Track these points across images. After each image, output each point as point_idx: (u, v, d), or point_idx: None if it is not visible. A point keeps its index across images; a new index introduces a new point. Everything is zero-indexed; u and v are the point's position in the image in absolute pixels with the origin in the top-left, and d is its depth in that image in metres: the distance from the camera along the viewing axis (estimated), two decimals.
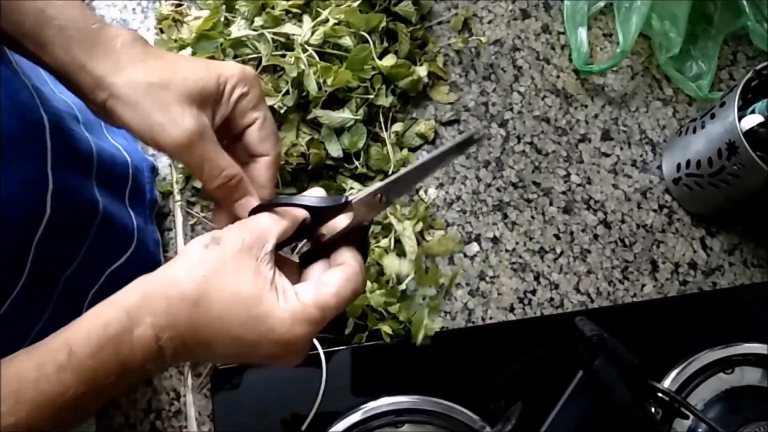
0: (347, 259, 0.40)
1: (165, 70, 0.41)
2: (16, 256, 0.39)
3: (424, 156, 0.45)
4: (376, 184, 0.42)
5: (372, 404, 0.53)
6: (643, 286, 0.63)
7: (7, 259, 0.39)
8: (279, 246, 0.40)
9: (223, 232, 0.39)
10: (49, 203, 0.40)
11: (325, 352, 0.54)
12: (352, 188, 0.58)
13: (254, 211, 0.42)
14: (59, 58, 0.39)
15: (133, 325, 0.34)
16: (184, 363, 0.56)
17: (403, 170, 0.42)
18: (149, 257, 0.57)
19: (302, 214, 0.41)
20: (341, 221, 0.42)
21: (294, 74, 0.57)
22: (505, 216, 0.63)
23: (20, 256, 0.40)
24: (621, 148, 0.67)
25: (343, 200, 0.41)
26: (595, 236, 0.64)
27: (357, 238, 0.42)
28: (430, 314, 0.55)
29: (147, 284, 0.36)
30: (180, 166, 0.60)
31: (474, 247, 0.62)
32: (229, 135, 0.45)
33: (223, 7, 0.60)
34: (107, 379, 0.33)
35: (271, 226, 0.40)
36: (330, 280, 0.39)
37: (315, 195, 0.44)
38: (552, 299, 0.61)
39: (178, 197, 0.60)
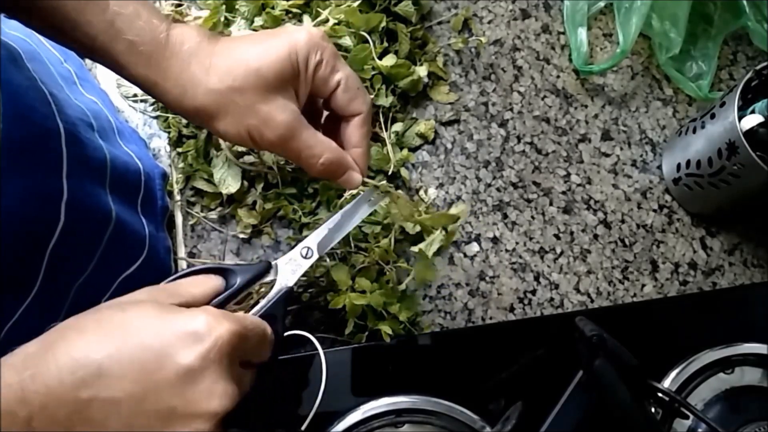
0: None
1: (237, 67, 0.40)
2: (30, 263, 0.39)
3: (343, 209, 0.46)
4: (304, 241, 0.43)
5: (372, 404, 0.53)
6: (643, 286, 0.63)
7: (21, 266, 0.39)
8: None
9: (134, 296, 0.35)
10: (63, 212, 0.40)
11: (325, 352, 0.54)
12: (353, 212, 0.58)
13: (174, 279, 0.41)
14: (134, 74, 0.39)
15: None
16: None
17: (325, 224, 0.44)
18: (160, 264, 0.57)
19: (216, 281, 0.40)
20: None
21: None
22: (505, 216, 0.63)
23: (34, 263, 0.40)
24: (621, 148, 0.67)
25: (266, 263, 0.42)
26: (595, 236, 0.64)
27: (275, 311, 0.41)
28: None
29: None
30: (180, 165, 0.60)
31: (474, 247, 0.62)
32: (317, 105, 0.45)
33: (223, 7, 0.60)
34: None
35: (181, 286, 0.38)
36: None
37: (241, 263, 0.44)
38: (552, 299, 0.61)
39: (178, 197, 0.60)
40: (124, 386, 0.28)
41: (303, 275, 0.47)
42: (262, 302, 0.41)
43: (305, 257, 0.43)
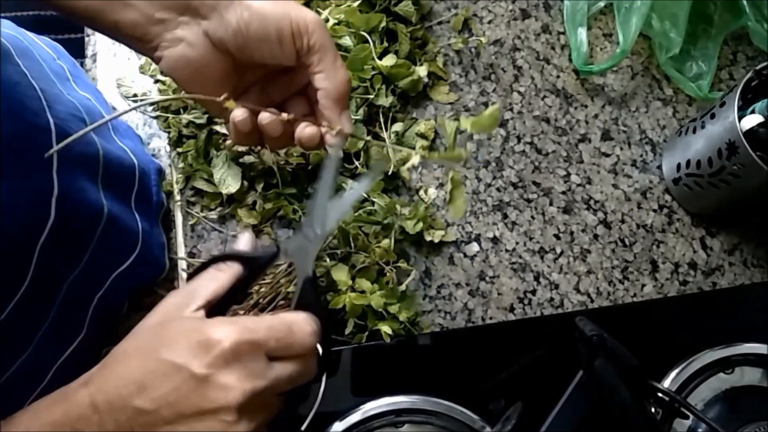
0: (295, 313, 0.41)
1: None
2: (20, 260, 0.39)
3: (321, 181, 0.46)
4: (302, 226, 0.44)
5: (372, 404, 0.53)
6: (643, 286, 0.63)
7: (11, 263, 0.39)
8: (222, 304, 0.41)
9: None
10: (53, 208, 0.40)
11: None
12: (352, 188, 0.58)
13: (196, 272, 0.44)
14: None
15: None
16: None
17: (313, 201, 0.45)
18: (154, 260, 0.56)
19: (237, 269, 0.43)
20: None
21: None
22: (505, 216, 0.63)
23: (23, 260, 0.39)
24: (621, 148, 0.67)
25: (276, 249, 0.44)
26: (595, 236, 0.64)
27: (308, 299, 0.43)
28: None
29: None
30: (180, 165, 0.60)
31: (474, 247, 0.62)
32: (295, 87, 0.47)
33: None
34: None
35: (201, 286, 0.41)
36: (264, 316, 0.41)
37: (247, 241, 0.47)
38: (552, 299, 0.61)
39: (178, 197, 0.60)
40: (160, 396, 0.35)
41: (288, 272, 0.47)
42: (294, 297, 0.43)
43: (311, 240, 0.44)
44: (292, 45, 0.43)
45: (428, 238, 0.60)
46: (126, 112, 0.60)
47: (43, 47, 0.54)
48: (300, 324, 0.39)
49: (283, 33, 0.42)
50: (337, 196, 0.45)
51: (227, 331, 0.36)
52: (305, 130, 0.46)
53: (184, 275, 0.59)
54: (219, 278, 0.42)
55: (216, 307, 0.40)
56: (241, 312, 0.46)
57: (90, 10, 0.41)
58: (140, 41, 0.43)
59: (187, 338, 0.36)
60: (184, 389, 0.35)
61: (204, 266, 0.43)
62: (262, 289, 0.46)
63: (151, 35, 0.42)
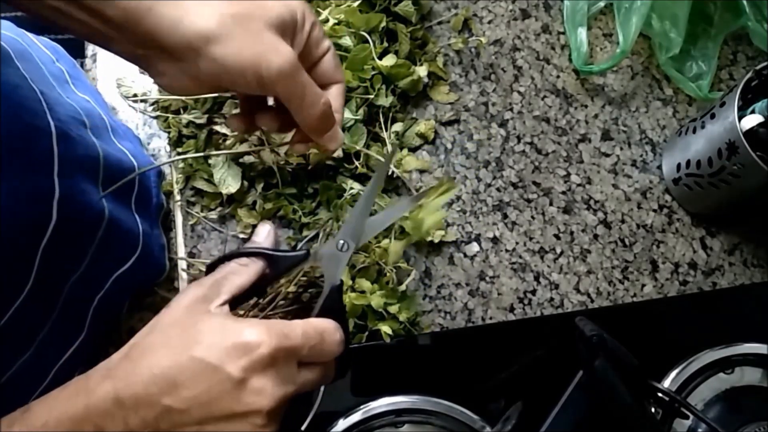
0: (324, 320, 0.41)
1: (246, 2, 0.40)
2: (22, 262, 0.39)
3: (364, 192, 0.46)
4: (338, 235, 0.44)
5: (372, 404, 0.53)
6: (643, 286, 0.63)
7: (13, 265, 0.39)
8: (241, 298, 0.41)
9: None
10: (55, 210, 0.40)
11: None
12: (352, 188, 0.58)
13: (215, 264, 0.43)
14: (122, 6, 0.37)
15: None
16: None
17: (353, 212, 0.45)
18: (154, 262, 0.56)
19: (260, 265, 0.43)
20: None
21: None
22: (505, 216, 0.63)
23: (26, 262, 0.39)
24: (621, 148, 0.67)
25: (306, 252, 0.43)
26: (595, 236, 0.64)
27: (333, 306, 0.43)
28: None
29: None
30: (180, 165, 0.60)
31: (474, 247, 0.62)
32: (305, 67, 0.45)
33: None
34: None
35: (227, 280, 0.41)
36: (296, 321, 0.39)
37: (267, 234, 0.47)
38: (552, 299, 0.61)
39: (178, 197, 0.60)
40: (192, 396, 0.34)
41: (303, 275, 0.47)
42: (318, 302, 0.42)
43: (342, 250, 0.44)
44: (263, 89, 0.43)
45: (428, 238, 0.60)
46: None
47: (43, 49, 0.54)
48: (330, 332, 0.40)
49: (250, 85, 0.41)
50: (376, 214, 0.45)
51: (265, 336, 0.36)
52: (338, 131, 0.47)
53: (185, 275, 0.59)
54: (244, 273, 0.42)
55: (232, 304, 0.40)
56: (241, 312, 0.46)
57: (83, 35, 0.41)
58: (134, 64, 0.43)
59: (223, 338, 0.36)
60: (217, 390, 0.35)
61: (225, 259, 0.43)
62: (282, 287, 0.47)
63: (139, 64, 0.42)
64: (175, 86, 0.42)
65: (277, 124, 0.47)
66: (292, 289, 0.47)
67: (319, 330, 0.39)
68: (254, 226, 0.58)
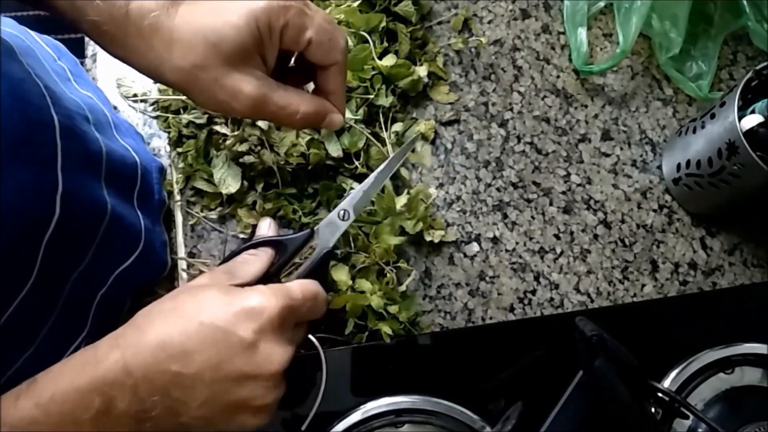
0: (314, 282, 0.43)
1: (197, 44, 0.39)
2: (25, 257, 0.39)
3: (377, 173, 0.49)
4: (341, 204, 0.46)
5: (372, 404, 0.53)
6: (643, 286, 0.63)
7: (16, 260, 0.39)
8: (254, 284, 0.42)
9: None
10: (58, 205, 0.40)
11: (325, 352, 0.54)
12: (352, 188, 0.58)
13: (230, 256, 0.44)
14: (109, 52, 0.41)
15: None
16: None
17: (360, 186, 0.47)
18: (156, 259, 0.57)
19: (270, 253, 0.44)
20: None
21: None
22: (505, 216, 0.63)
23: (29, 257, 0.39)
24: (621, 148, 0.67)
25: (310, 231, 0.45)
26: (595, 236, 0.64)
27: (319, 270, 0.45)
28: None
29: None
30: (180, 165, 0.60)
31: (474, 247, 0.62)
32: (289, 60, 0.45)
33: None
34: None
35: (239, 269, 0.42)
36: (292, 282, 0.41)
37: (269, 226, 0.49)
38: (552, 299, 0.61)
39: (178, 197, 0.60)
40: (203, 359, 0.35)
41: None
42: (306, 263, 0.44)
43: (342, 219, 0.46)
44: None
45: (428, 238, 0.60)
46: None
47: (44, 47, 0.54)
48: (321, 293, 0.42)
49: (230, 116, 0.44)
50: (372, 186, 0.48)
51: (272, 298, 0.37)
52: (333, 117, 0.46)
53: (185, 275, 0.59)
54: (256, 262, 0.43)
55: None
56: None
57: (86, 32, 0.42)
58: None
59: (230, 304, 0.36)
60: (228, 353, 0.35)
61: (234, 254, 0.44)
62: (306, 254, 0.47)
63: None
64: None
65: None
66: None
67: (313, 290, 0.41)
68: (254, 227, 0.59)
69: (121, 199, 0.50)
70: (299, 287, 0.40)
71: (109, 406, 0.33)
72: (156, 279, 0.58)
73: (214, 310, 0.36)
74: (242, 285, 0.40)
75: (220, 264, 0.44)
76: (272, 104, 0.42)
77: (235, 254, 0.44)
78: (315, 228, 0.46)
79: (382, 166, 0.48)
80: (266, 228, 0.50)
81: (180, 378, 0.34)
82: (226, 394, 0.36)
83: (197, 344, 0.35)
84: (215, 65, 0.39)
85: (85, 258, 0.46)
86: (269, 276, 0.44)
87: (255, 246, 0.44)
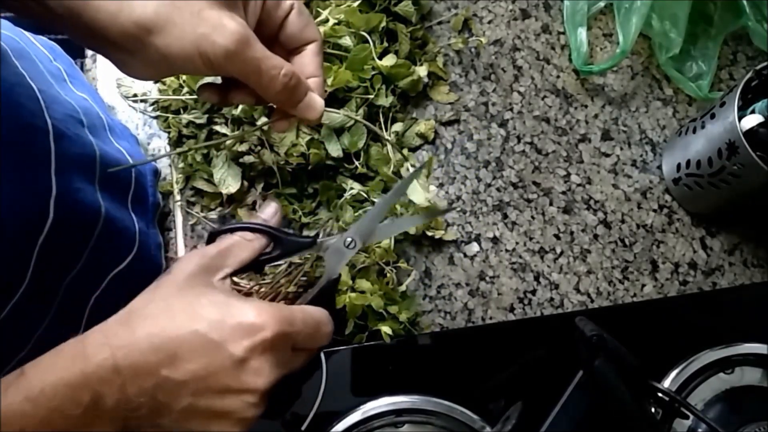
0: (320, 310, 0.41)
1: None
2: (19, 260, 0.39)
3: (383, 197, 0.47)
4: (347, 231, 0.44)
5: (372, 404, 0.53)
6: (643, 286, 0.63)
7: (10, 263, 0.39)
8: (239, 271, 0.41)
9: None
10: (52, 208, 0.40)
11: (325, 352, 0.54)
12: (352, 188, 0.58)
13: (216, 234, 0.43)
14: (62, 2, 0.36)
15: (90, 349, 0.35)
16: None
17: (368, 213, 0.45)
18: (151, 261, 0.56)
19: (264, 242, 0.43)
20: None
21: None
22: (505, 216, 0.63)
23: (23, 260, 0.39)
24: (621, 148, 0.67)
25: (312, 240, 0.44)
26: (595, 236, 0.64)
27: (325, 297, 0.43)
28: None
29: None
30: (180, 165, 0.60)
31: (474, 247, 0.62)
32: (265, 35, 0.42)
33: None
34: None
35: (231, 253, 0.41)
36: (295, 307, 0.40)
37: (273, 212, 0.46)
38: (552, 299, 0.61)
39: (178, 197, 0.60)
40: (191, 368, 0.35)
41: (303, 275, 0.47)
42: (313, 291, 0.43)
43: (348, 247, 0.44)
44: (216, 72, 0.41)
45: (428, 238, 0.60)
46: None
47: (40, 48, 0.54)
48: (324, 323, 0.41)
49: (200, 70, 0.39)
50: (388, 219, 0.46)
51: (270, 319, 0.36)
52: (314, 98, 0.44)
53: None
54: (249, 248, 0.42)
55: (230, 275, 0.41)
56: (240, 283, 0.46)
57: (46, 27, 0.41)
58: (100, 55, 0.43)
59: (227, 316, 0.36)
60: (217, 366, 0.35)
61: (230, 230, 0.42)
62: (262, 289, 0.46)
63: (102, 55, 0.41)
64: (138, 75, 0.41)
65: (253, 99, 0.44)
66: (292, 289, 0.47)
67: (316, 319, 0.40)
68: (255, 203, 0.58)
69: (115, 202, 0.50)
70: (302, 315, 0.39)
71: (98, 403, 0.33)
72: (151, 281, 0.58)
73: (210, 319, 0.36)
74: (232, 273, 0.40)
75: (212, 235, 0.43)
76: (257, 49, 0.39)
77: (230, 230, 0.42)
78: (318, 239, 0.44)
79: (388, 195, 0.46)
80: (271, 213, 0.47)
81: (167, 382, 0.34)
82: (208, 403, 0.36)
83: (188, 352, 0.35)
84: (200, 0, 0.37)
85: (80, 261, 0.46)
86: (254, 264, 0.42)
87: (254, 230, 0.42)
